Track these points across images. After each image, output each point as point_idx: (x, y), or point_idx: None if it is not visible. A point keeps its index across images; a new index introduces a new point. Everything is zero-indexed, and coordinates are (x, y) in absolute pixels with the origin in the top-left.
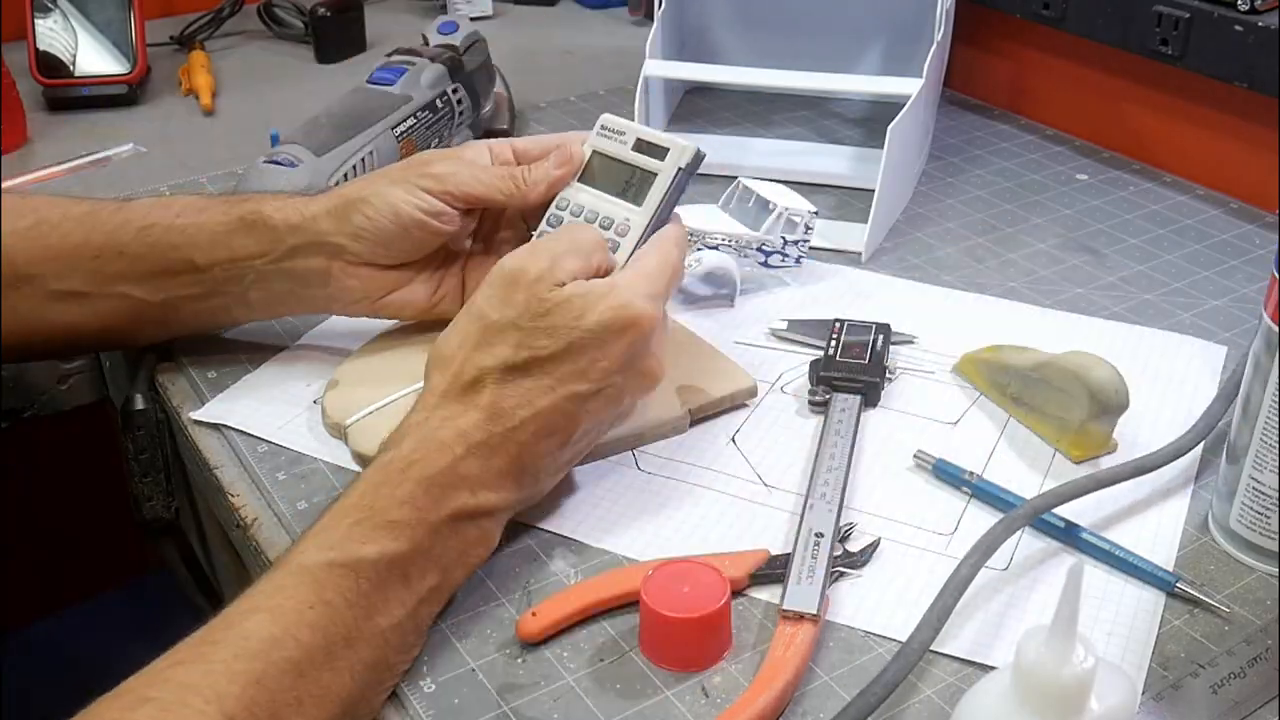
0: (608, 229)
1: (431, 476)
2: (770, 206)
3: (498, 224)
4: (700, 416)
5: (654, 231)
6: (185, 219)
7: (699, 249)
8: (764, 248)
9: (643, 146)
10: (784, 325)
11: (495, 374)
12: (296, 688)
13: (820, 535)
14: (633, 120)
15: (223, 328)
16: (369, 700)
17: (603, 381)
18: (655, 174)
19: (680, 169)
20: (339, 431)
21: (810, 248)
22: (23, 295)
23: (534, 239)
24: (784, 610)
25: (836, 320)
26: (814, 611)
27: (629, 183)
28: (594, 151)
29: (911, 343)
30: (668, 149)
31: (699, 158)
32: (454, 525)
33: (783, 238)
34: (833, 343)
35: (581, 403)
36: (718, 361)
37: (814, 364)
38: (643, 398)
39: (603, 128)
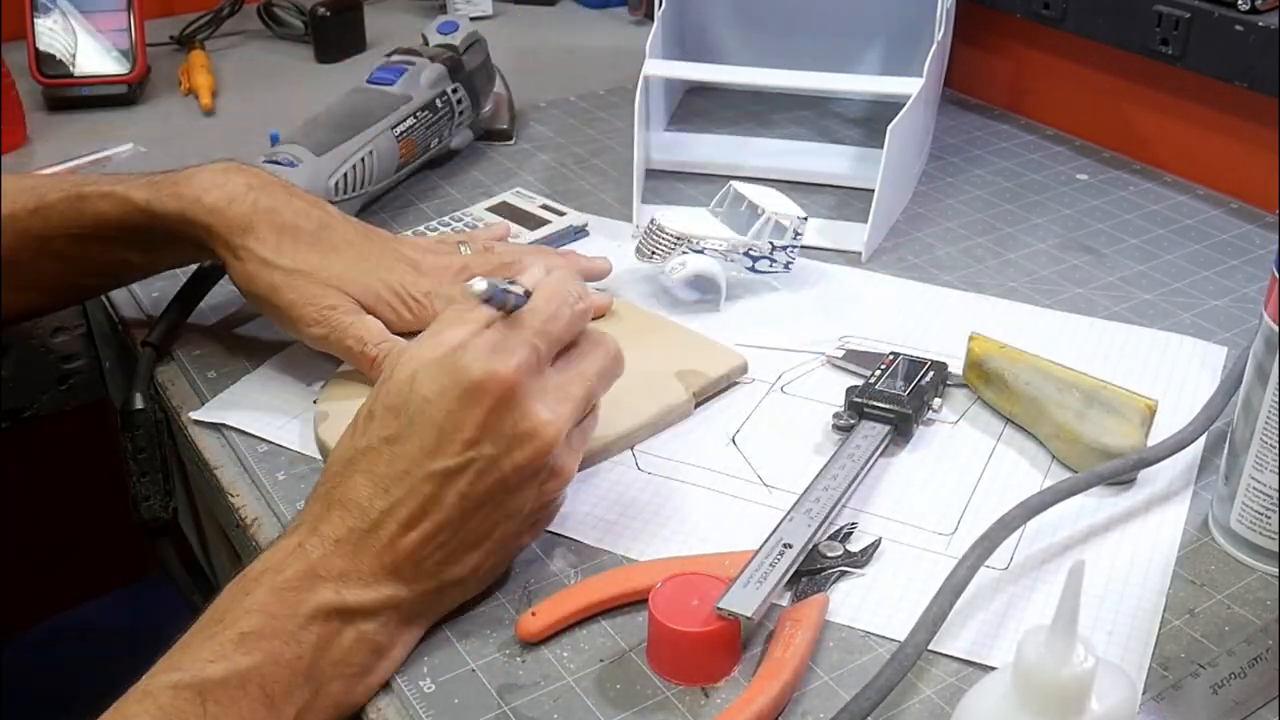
0: None
1: (286, 580)
2: (759, 211)
3: None
4: (702, 398)
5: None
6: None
7: (684, 252)
8: (751, 253)
9: None
10: (840, 354)
11: (351, 464)
12: None
13: (788, 546)
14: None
15: None
16: None
17: (462, 455)
18: None
19: None
20: None
21: (810, 248)
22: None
23: None
24: (717, 608)
25: (893, 353)
26: (748, 615)
27: None
28: None
29: (966, 387)
30: None
31: None
32: (319, 630)
33: (770, 243)
34: (878, 372)
35: (445, 484)
36: (706, 344)
37: (850, 389)
38: (536, 459)
39: None
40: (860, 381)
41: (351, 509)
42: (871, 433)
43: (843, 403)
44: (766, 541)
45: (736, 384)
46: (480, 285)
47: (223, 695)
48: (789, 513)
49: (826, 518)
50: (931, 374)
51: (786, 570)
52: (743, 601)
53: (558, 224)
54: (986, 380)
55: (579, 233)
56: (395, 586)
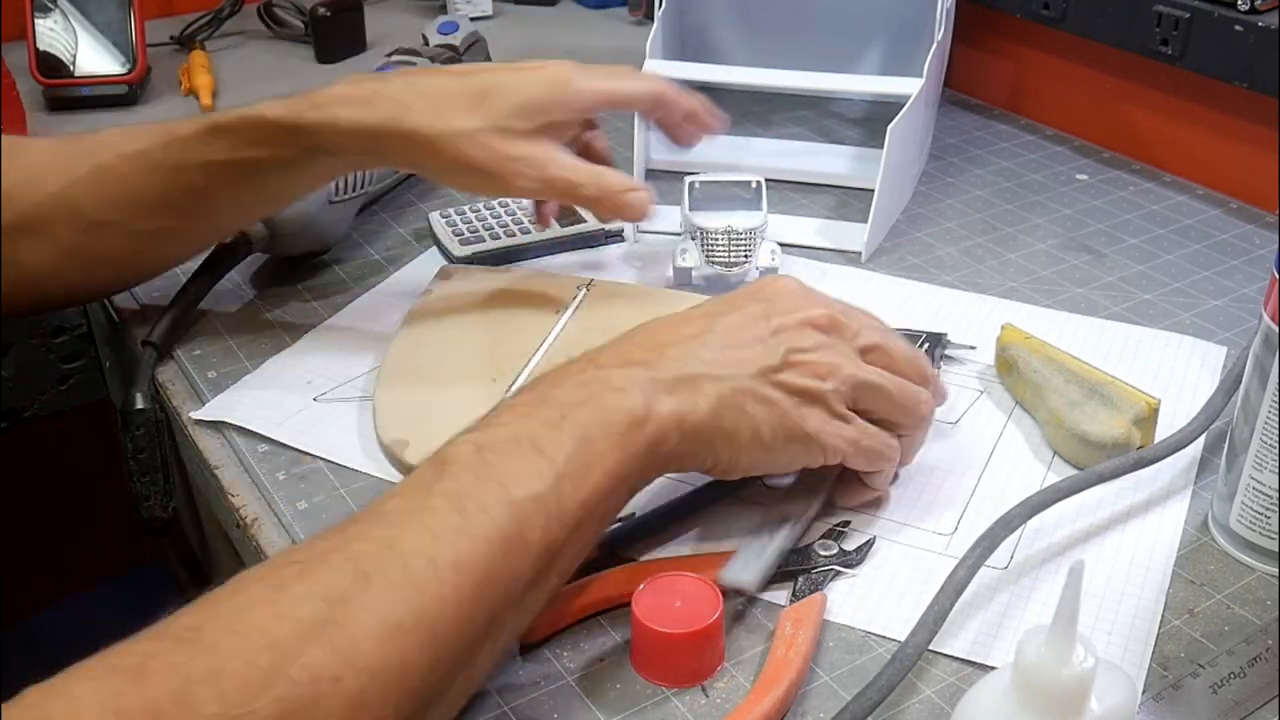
0: None
1: (559, 373)
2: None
3: None
4: None
5: None
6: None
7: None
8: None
9: None
10: None
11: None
12: (430, 550)
13: (785, 519)
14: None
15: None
16: (506, 578)
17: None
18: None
19: None
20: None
21: (810, 248)
22: (104, 238)
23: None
24: (720, 579)
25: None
26: (751, 586)
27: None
28: None
29: (973, 349)
30: None
31: None
32: (579, 393)
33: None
34: None
35: (759, 387)
36: None
37: None
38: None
39: None
40: None
41: (636, 349)
42: None
43: None
44: (766, 516)
45: None
46: None
47: (498, 446)
48: (786, 490)
49: (823, 493)
50: (926, 346)
51: (786, 543)
52: (744, 570)
53: (592, 223)
54: (1006, 367)
55: (611, 237)
56: (640, 368)
